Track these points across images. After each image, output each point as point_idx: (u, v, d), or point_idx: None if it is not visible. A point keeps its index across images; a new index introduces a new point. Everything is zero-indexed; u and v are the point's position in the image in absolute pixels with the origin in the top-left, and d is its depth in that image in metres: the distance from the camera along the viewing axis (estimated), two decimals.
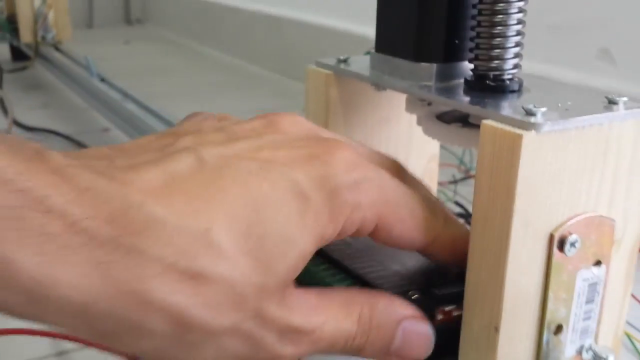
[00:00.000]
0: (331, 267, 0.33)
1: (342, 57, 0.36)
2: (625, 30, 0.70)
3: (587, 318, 0.30)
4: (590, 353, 0.30)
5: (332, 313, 0.27)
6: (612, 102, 0.28)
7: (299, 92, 1.14)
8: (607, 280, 0.30)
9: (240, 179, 0.23)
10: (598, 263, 0.29)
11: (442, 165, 0.67)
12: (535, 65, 0.77)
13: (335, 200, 0.25)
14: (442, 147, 0.43)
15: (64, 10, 1.20)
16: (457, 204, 0.67)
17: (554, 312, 0.29)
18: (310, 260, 0.31)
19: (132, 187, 0.21)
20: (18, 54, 1.32)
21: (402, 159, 0.40)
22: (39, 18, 1.18)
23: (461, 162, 0.80)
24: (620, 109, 0.28)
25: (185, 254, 0.21)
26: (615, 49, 0.71)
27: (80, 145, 0.84)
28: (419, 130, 0.40)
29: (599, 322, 0.30)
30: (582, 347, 0.30)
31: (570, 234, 0.27)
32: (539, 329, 0.29)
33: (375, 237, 0.28)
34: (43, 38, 1.20)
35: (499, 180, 0.26)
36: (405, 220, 0.28)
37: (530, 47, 0.79)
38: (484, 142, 0.27)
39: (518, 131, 0.25)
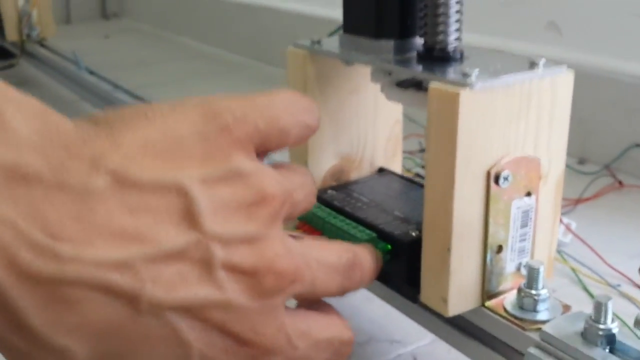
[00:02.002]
0: (348, 219, 0.40)
1: (315, 39, 0.43)
2: (570, 4, 0.77)
3: (523, 240, 0.37)
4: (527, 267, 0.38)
5: None
6: (533, 64, 0.35)
7: (276, 77, 1.20)
8: (538, 208, 0.37)
9: None
10: (529, 194, 0.36)
11: (411, 135, 0.74)
12: (490, 39, 0.84)
13: None
14: (409, 119, 0.50)
15: (48, 8, 1.25)
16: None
17: (495, 234, 0.36)
18: (329, 214, 0.39)
19: None
20: (3, 53, 1.37)
21: (369, 123, 0.47)
22: (23, 17, 1.23)
23: None
24: (540, 69, 0.35)
25: None
26: (561, 21, 0.78)
27: None
28: (383, 98, 0.46)
29: (533, 243, 0.38)
30: (520, 264, 0.37)
31: (503, 170, 0.35)
32: (484, 249, 0.36)
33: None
34: (28, 36, 1.25)
35: (444, 130, 0.33)
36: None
37: (487, 22, 0.86)
38: (431, 101, 0.34)
39: (456, 90, 0.32)
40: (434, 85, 0.33)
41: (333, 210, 0.42)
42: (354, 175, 0.47)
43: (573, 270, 0.55)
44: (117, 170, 0.23)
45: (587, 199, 0.69)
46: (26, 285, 0.21)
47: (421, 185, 0.45)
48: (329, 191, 0.45)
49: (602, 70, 0.75)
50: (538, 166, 0.36)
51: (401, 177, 0.47)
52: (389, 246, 0.38)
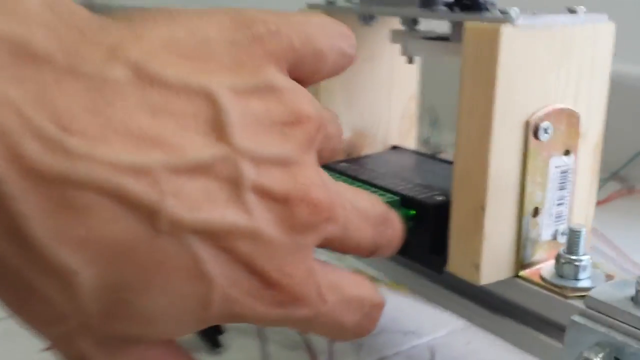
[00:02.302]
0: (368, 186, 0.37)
1: None
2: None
3: (560, 204, 0.34)
4: (565, 237, 0.34)
5: None
6: (572, 11, 0.33)
7: None
8: (576, 169, 0.34)
9: None
10: (567, 153, 0.33)
11: None
12: None
13: None
14: None
15: None
16: None
17: (532, 195, 0.33)
18: (344, 180, 0.37)
19: None
20: None
21: (384, 96, 0.44)
22: None
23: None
24: (581, 15, 0.32)
25: None
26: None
27: None
28: (398, 71, 0.44)
29: (570, 210, 0.34)
30: (556, 232, 0.34)
31: (543, 121, 0.32)
32: (519, 210, 0.33)
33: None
34: None
35: (482, 73, 0.30)
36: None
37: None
38: (467, 41, 0.31)
39: (496, 26, 0.30)
40: (471, 23, 0.30)
41: (348, 178, 0.38)
42: (366, 153, 0.44)
43: (595, 266, 0.52)
44: (139, 64, 0.20)
45: (598, 203, 0.66)
46: (29, 182, 0.18)
47: (441, 160, 0.42)
48: (341, 164, 0.41)
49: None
50: (578, 122, 0.33)
51: (418, 152, 0.44)
52: (413, 211, 0.35)
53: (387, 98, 0.44)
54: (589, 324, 0.30)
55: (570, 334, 0.31)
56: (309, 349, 0.41)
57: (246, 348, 0.42)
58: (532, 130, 0.31)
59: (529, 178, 0.32)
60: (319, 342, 0.42)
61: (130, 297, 0.20)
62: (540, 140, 0.32)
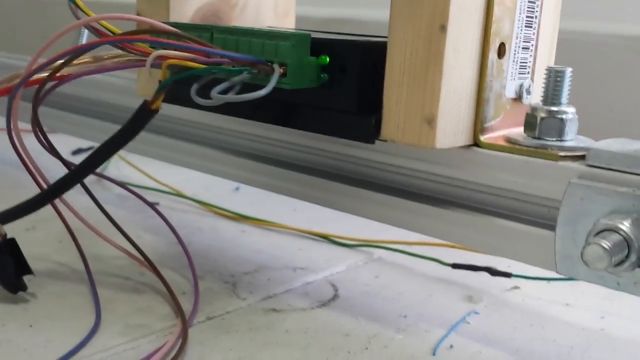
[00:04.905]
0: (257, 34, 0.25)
1: None
2: None
3: (526, 47, 0.25)
4: (530, 96, 0.25)
5: None
6: None
7: None
8: (543, 5, 0.25)
9: None
10: None
11: None
12: None
13: None
14: None
15: None
16: None
17: (499, 22, 0.23)
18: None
19: None
20: None
21: None
22: None
23: None
24: None
25: None
26: None
27: None
28: None
29: (534, 60, 0.26)
30: (521, 87, 0.25)
31: None
32: (484, 41, 0.23)
33: None
34: None
35: None
36: None
37: None
38: None
39: None
40: None
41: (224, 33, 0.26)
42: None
43: None
44: None
45: None
46: None
47: (347, 33, 0.32)
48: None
49: None
50: None
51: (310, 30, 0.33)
52: (325, 58, 0.24)
53: None
54: (600, 186, 0.21)
55: (568, 207, 0.22)
56: (167, 288, 0.28)
57: (65, 296, 0.28)
58: None
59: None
60: (178, 282, 0.29)
61: None
62: None
